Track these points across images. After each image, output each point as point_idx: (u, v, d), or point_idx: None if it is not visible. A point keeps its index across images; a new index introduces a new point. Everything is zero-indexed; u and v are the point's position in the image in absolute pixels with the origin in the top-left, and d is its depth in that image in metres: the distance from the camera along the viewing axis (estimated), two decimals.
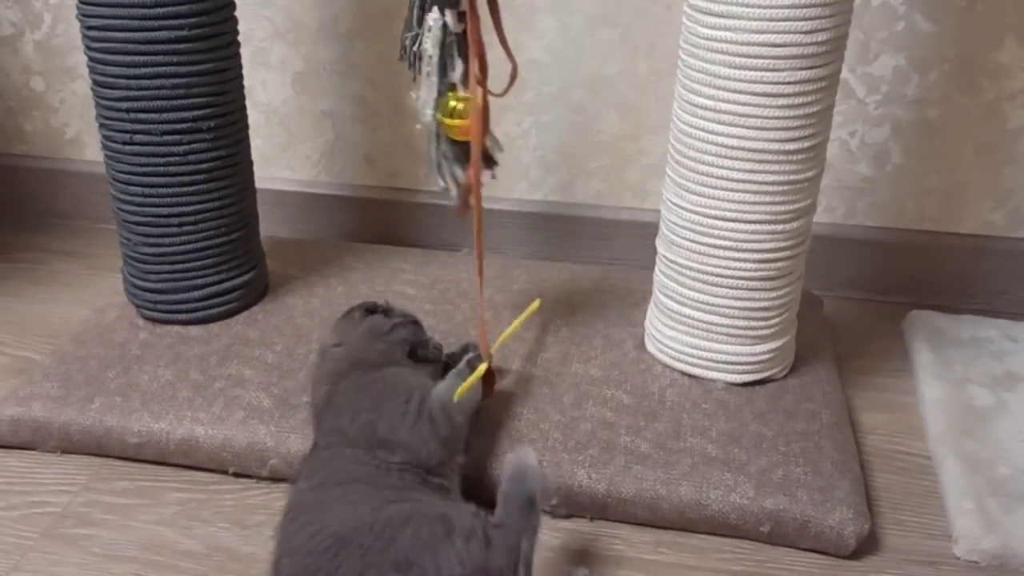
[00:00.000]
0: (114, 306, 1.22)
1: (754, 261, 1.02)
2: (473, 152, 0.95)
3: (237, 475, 1.02)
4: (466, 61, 0.96)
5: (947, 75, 1.26)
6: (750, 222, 0.99)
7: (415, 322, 1.02)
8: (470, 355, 0.97)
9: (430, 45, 0.95)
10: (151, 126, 1.09)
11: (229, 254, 1.18)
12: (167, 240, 1.14)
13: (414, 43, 0.97)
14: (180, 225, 1.14)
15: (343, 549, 0.75)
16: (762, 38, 0.91)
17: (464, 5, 0.92)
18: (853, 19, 0.97)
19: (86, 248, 1.49)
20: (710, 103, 0.96)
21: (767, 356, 1.07)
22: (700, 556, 0.94)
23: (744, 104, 0.94)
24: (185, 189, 1.12)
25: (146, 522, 0.96)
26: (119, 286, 1.22)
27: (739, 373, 1.07)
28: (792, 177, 0.98)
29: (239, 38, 1.15)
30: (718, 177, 0.98)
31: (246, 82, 1.17)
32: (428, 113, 0.99)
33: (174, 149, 1.10)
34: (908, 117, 1.29)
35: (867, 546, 0.93)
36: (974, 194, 1.32)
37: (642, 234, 1.31)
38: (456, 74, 0.97)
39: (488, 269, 1.02)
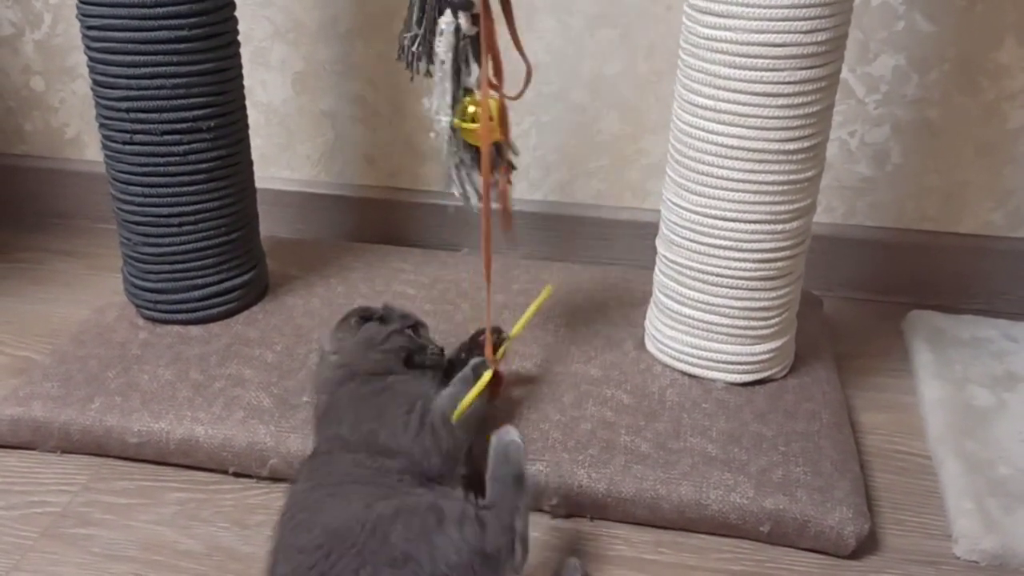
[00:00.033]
0: (114, 306, 1.22)
1: (754, 261, 1.01)
2: (483, 155, 0.92)
3: (237, 475, 1.02)
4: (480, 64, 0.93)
5: (947, 75, 1.26)
6: (750, 222, 0.99)
7: (416, 324, 1.00)
8: (475, 361, 0.95)
9: (442, 50, 0.91)
10: (151, 126, 1.09)
11: (229, 254, 1.18)
12: (167, 240, 1.14)
13: (413, 43, 0.94)
14: (180, 225, 1.14)
15: (336, 545, 0.74)
16: (762, 38, 0.91)
17: (478, 7, 0.88)
18: (853, 19, 0.97)
19: (86, 248, 1.49)
20: (710, 103, 0.96)
21: (767, 356, 1.07)
22: (700, 556, 0.94)
23: (744, 104, 0.94)
24: (185, 189, 1.12)
25: (146, 522, 0.96)
26: (119, 286, 1.22)
27: (739, 373, 1.07)
28: (792, 177, 0.98)
29: (239, 38, 1.15)
30: (718, 177, 0.98)
31: (246, 82, 1.17)
32: (443, 120, 0.95)
33: (174, 149, 1.10)
34: (908, 117, 1.29)
35: (867, 546, 0.93)
36: (974, 194, 1.32)
37: (642, 234, 1.31)
38: (473, 78, 0.93)
39: None
